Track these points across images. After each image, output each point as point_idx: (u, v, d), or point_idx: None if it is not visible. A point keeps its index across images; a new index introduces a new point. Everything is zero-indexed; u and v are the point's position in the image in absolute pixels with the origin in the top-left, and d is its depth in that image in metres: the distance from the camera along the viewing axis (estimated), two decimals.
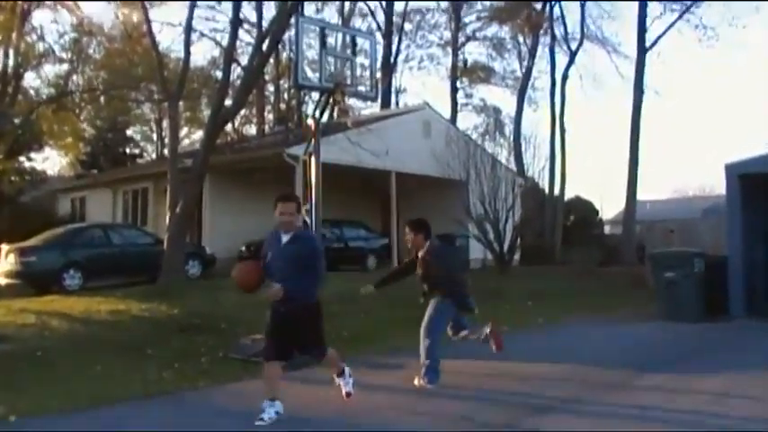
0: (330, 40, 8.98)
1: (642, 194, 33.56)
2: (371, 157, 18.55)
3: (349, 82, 8.84)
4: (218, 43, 28.76)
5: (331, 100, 8.84)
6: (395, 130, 20.76)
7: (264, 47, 12.35)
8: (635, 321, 12.16)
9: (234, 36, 12.47)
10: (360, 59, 9.20)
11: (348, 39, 9.06)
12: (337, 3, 37.33)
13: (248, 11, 29.48)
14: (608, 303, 14.84)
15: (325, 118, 9.75)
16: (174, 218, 13.41)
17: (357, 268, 19.86)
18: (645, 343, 9.96)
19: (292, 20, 9.38)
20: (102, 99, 23.52)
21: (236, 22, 12.42)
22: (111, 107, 24.31)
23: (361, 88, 9.11)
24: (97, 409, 6.58)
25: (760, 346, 9.64)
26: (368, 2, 36.10)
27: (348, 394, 6.27)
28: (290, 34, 17.56)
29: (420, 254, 7.22)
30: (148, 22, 14.20)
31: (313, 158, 8.94)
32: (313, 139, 8.91)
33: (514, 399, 6.50)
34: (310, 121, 9.12)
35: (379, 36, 35.65)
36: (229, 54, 13.10)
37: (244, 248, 18.99)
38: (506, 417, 5.86)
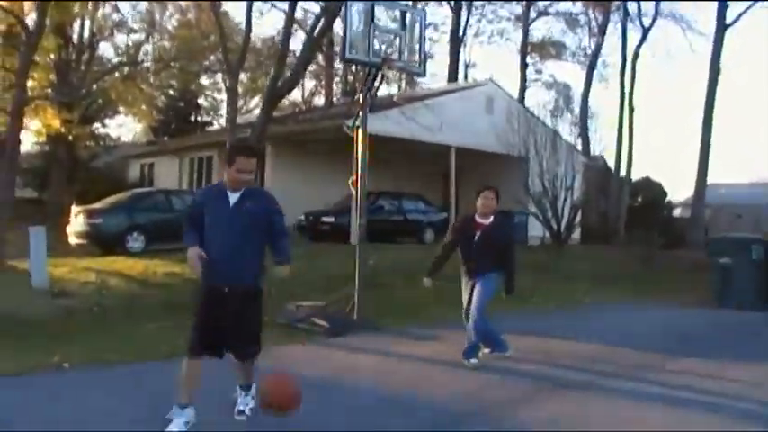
0: (380, 15, 9.03)
1: (720, 178, 32.56)
2: (431, 132, 18.62)
3: (397, 57, 8.90)
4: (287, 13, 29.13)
5: (380, 75, 8.94)
6: (457, 104, 20.70)
7: (322, 20, 12.51)
8: (684, 306, 11.97)
9: (293, 7, 12.63)
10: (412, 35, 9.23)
11: (398, 14, 9.11)
12: None
13: None
14: (661, 287, 14.63)
15: (382, 91, 9.82)
16: None
17: (414, 241, 20.03)
18: (689, 328, 9.80)
19: None
20: (171, 68, 24.11)
21: None
22: (180, 77, 24.94)
23: (411, 64, 9.15)
24: (143, 363, 6.97)
25: None
26: None
27: (240, 412, 4.90)
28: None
29: (483, 224, 6.92)
30: None
31: (359, 132, 9.08)
32: (360, 113, 9.04)
33: (538, 375, 6.56)
34: (359, 96, 9.24)
35: (447, 10, 35.51)
36: (288, 25, 13.28)
37: (303, 217, 19.37)
38: (521, 393, 5.90)
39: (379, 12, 8.92)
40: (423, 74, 9.47)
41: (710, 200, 29.62)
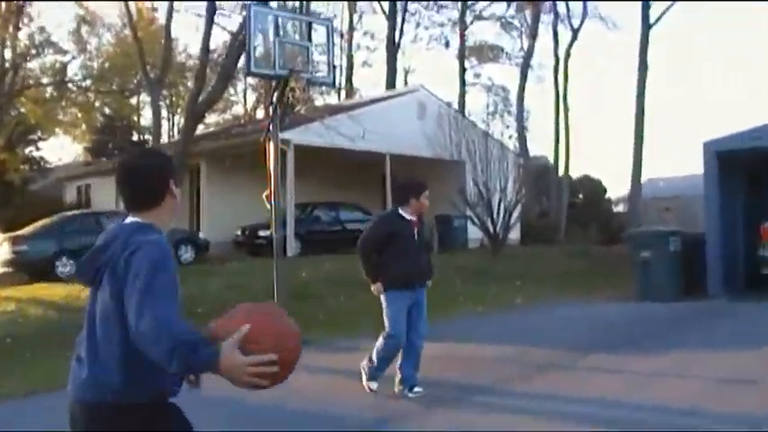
0: (288, 26, 9.04)
1: (661, 172, 33.18)
2: (353, 141, 18.68)
3: (304, 68, 8.91)
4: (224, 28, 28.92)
5: (288, 87, 8.93)
6: (389, 111, 20.79)
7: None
8: (609, 301, 12.22)
9: (209, 23, 12.56)
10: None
11: (305, 26, 9.12)
12: None
13: None
14: (592, 283, 14.88)
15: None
16: None
17: (354, 250, 20.02)
18: (606, 323, 9.98)
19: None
20: (98, 88, 23.77)
21: (212, 10, 12.49)
22: (109, 96, 24.58)
23: (319, 74, 9.17)
24: (48, 394, 6.82)
25: (723, 325, 9.66)
26: None
27: None
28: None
29: (416, 223, 6.13)
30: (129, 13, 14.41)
31: (271, 144, 9.06)
32: (271, 126, 9.03)
33: (439, 382, 6.55)
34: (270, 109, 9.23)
35: (382, 17, 35.69)
36: (205, 42, 13.20)
37: (239, 232, 19.25)
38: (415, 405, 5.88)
39: (286, 24, 8.92)
40: (331, 84, 9.49)
41: (650, 194, 30.27)
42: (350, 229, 20.53)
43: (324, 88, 39.74)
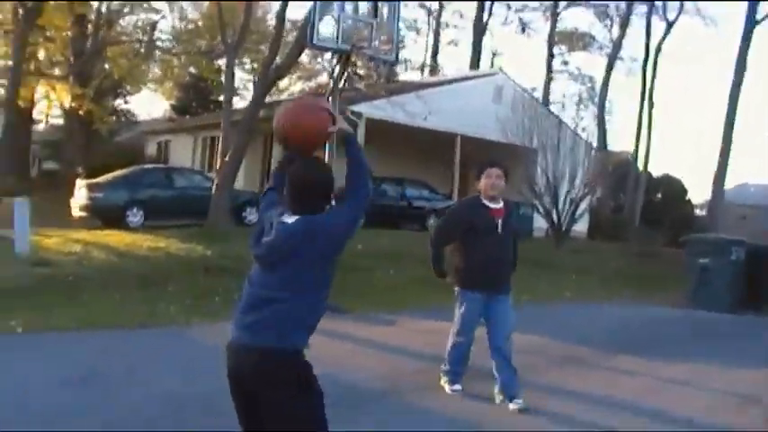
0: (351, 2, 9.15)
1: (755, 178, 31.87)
2: (438, 119, 18.73)
3: (367, 44, 9.01)
4: None
5: (350, 61, 9.08)
6: (465, 93, 20.73)
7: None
8: (661, 305, 11.98)
9: None
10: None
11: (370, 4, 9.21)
12: None
13: None
14: (649, 284, 14.57)
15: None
16: (224, 166, 14.11)
17: (417, 227, 20.24)
18: (646, 326, 9.84)
19: None
20: (183, 48, 24.50)
21: None
22: (190, 58, 25.31)
23: (383, 49, 9.25)
24: (94, 331, 7.31)
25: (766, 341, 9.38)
26: None
27: None
28: None
29: (500, 210, 5.34)
30: None
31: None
32: (331, 99, 9.20)
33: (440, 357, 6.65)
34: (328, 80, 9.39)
35: None
36: (282, 10, 13.46)
37: None
38: (432, 379, 6.00)
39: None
40: (395, 62, 9.59)
41: (740, 199, 29.17)
42: (416, 206, 20.71)
43: (409, 64, 40.28)
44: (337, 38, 8.75)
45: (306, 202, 2.87)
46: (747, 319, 11.01)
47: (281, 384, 2.73)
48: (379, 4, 9.22)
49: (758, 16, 27.38)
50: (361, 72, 8.87)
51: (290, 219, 2.86)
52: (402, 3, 23.96)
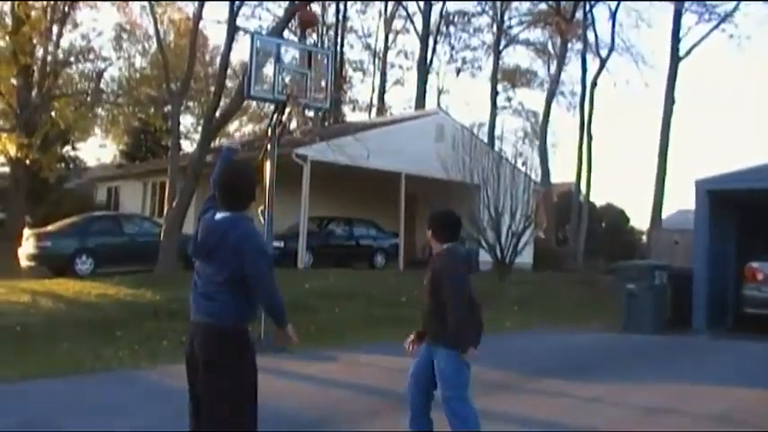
0: (288, 55, 9.73)
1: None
2: (382, 159, 19.31)
3: (303, 94, 9.55)
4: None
5: (286, 111, 9.62)
6: (407, 133, 21.43)
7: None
8: (594, 331, 12.61)
9: (230, 40, 13.29)
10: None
11: (304, 53, 9.79)
12: (380, 4, 38.38)
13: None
14: (586, 312, 15.24)
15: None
16: (171, 211, 14.42)
17: (366, 266, 20.72)
18: (576, 351, 10.42)
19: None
20: (128, 98, 24.84)
21: (232, 28, 13.23)
22: (138, 105, 25.62)
23: (317, 98, 9.80)
24: (42, 378, 7.55)
25: (685, 359, 10.00)
26: (409, 1, 36.66)
27: None
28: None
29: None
30: (155, 18, 15.31)
31: (267, 163, 9.73)
32: (269, 145, 9.70)
33: (390, 393, 7.08)
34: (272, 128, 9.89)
35: (416, 39, 36.43)
36: (225, 59, 13.96)
37: None
38: (369, 407, 6.47)
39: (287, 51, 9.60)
40: (327, 109, 10.13)
41: (676, 225, 30.22)
42: (363, 245, 21.21)
43: (355, 104, 41.15)
44: (273, 89, 9.27)
45: (231, 200, 3.56)
46: (670, 340, 11.66)
47: (217, 354, 3.45)
48: (313, 55, 9.81)
49: (680, 53, 28.93)
50: (297, 119, 9.36)
51: (218, 215, 3.57)
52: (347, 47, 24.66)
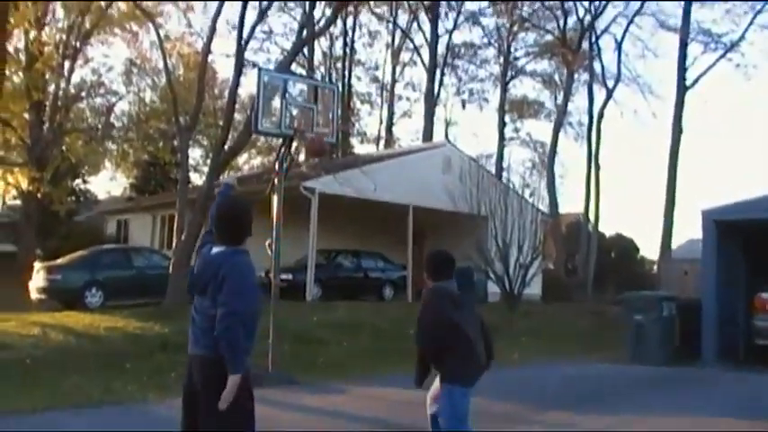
0: (296, 89, 9.88)
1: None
2: (390, 192, 19.46)
3: (310, 128, 9.69)
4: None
5: (294, 145, 9.75)
6: (415, 165, 21.59)
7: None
8: (602, 362, 12.55)
9: (237, 75, 13.54)
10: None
11: (311, 88, 9.95)
12: (387, 37, 38.87)
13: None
14: (594, 343, 15.18)
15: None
16: (180, 244, 14.54)
17: (374, 298, 20.73)
18: (583, 382, 10.38)
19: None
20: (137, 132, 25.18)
21: (240, 63, 13.47)
22: (147, 139, 25.97)
23: (323, 132, 9.93)
24: (51, 411, 7.60)
25: (697, 391, 9.95)
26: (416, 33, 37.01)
27: None
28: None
29: None
30: (164, 54, 15.61)
31: (275, 197, 9.83)
32: (275, 179, 9.81)
33: (396, 425, 7.10)
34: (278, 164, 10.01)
35: (423, 71, 36.77)
36: (233, 93, 14.19)
37: (263, 274, 20.00)
38: None
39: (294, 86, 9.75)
40: (334, 143, 10.24)
41: (687, 255, 30.05)
42: (371, 277, 21.23)
43: (363, 137, 41.44)
44: (281, 123, 9.41)
45: (228, 234, 3.59)
46: (679, 372, 11.59)
47: (215, 383, 3.42)
48: (319, 89, 9.96)
49: (687, 83, 29.08)
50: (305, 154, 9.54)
51: (215, 249, 3.60)
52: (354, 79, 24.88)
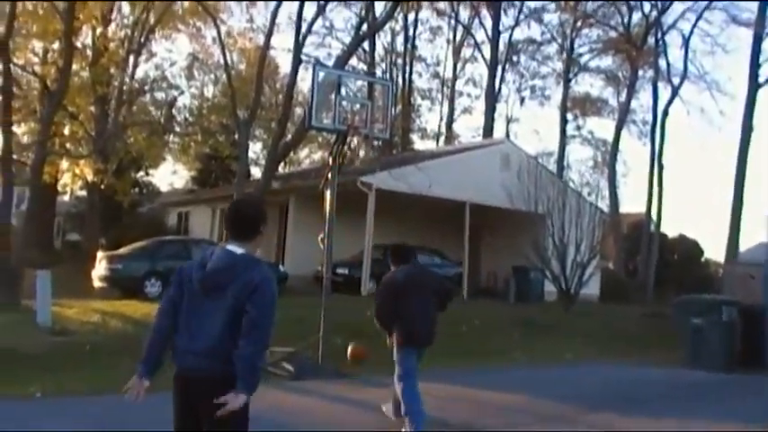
0: (355, 85, 9.93)
1: None
2: (447, 189, 19.41)
3: (364, 124, 9.72)
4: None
5: (347, 140, 9.80)
6: (473, 162, 21.44)
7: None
8: (658, 365, 12.24)
9: (295, 71, 13.66)
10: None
11: (365, 84, 9.98)
12: (448, 33, 38.71)
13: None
14: (651, 346, 14.83)
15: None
16: None
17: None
18: (635, 385, 10.14)
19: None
20: (197, 126, 25.70)
21: (297, 58, 13.59)
22: (207, 133, 26.49)
23: (376, 129, 9.95)
24: (107, 395, 7.81)
25: (755, 399, 9.62)
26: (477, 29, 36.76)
27: None
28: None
29: None
30: (223, 50, 15.87)
31: (327, 192, 9.90)
32: (329, 174, 9.88)
33: (446, 422, 7.08)
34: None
35: (484, 67, 36.50)
36: (290, 89, 14.32)
37: (319, 267, 20.19)
38: None
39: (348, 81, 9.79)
40: (387, 139, 10.26)
41: (754, 258, 29.06)
42: None
43: (423, 132, 41.35)
44: (335, 119, 9.46)
45: (238, 230, 3.47)
46: (738, 378, 11.23)
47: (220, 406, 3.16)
48: (375, 86, 9.97)
49: (760, 79, 28.08)
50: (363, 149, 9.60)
51: (237, 249, 3.40)
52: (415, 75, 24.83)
